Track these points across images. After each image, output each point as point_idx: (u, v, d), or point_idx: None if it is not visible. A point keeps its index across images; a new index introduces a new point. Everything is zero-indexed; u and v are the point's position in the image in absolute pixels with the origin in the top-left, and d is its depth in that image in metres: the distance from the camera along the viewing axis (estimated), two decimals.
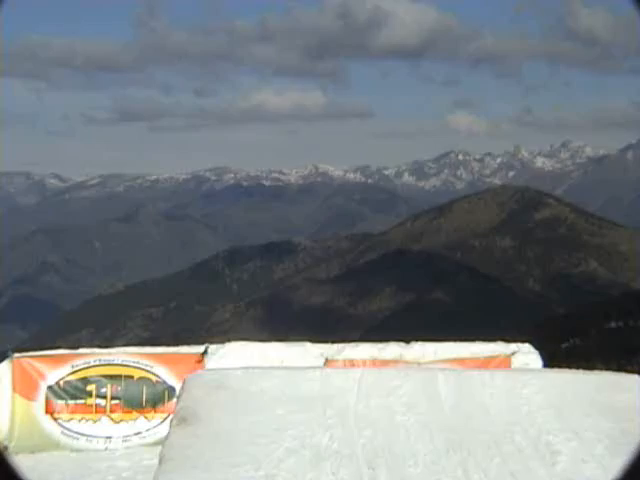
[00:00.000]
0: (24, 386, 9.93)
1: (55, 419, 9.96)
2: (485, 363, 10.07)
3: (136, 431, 10.03)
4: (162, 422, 9.81)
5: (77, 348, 10.81)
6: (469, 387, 5.61)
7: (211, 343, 10.61)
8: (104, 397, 10.06)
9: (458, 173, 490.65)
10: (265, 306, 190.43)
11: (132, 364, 10.15)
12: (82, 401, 10.04)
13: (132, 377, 10.11)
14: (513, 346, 10.67)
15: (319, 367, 9.16)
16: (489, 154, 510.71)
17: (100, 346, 11.73)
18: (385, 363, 9.71)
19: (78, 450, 9.82)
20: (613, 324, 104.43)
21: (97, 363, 10.12)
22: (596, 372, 6.86)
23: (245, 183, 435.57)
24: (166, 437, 5.36)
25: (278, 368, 7.77)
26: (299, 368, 7.53)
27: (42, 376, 9.98)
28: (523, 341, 11.04)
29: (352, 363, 9.75)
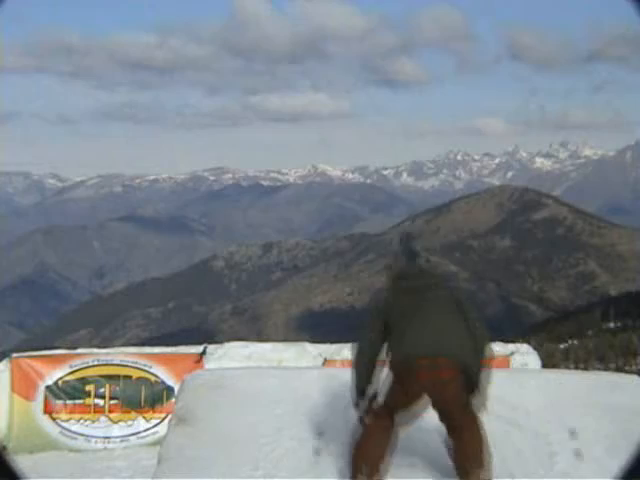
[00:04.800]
0: (23, 386, 9.95)
1: (53, 419, 9.98)
2: None
3: (135, 431, 10.05)
4: (161, 422, 9.83)
5: (76, 348, 10.83)
6: None
7: (210, 343, 10.62)
8: (102, 397, 10.07)
9: (457, 173, 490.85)
10: (264, 306, 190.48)
11: (131, 364, 10.16)
12: (80, 401, 10.05)
13: (131, 377, 10.12)
14: (511, 346, 10.69)
15: (318, 367, 9.17)
16: (488, 154, 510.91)
17: (99, 346, 11.75)
18: (384, 363, 9.69)
19: (76, 450, 9.84)
20: (611, 324, 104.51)
21: (95, 363, 10.13)
22: (595, 372, 6.86)
23: (244, 183, 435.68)
24: (165, 437, 5.36)
25: (277, 368, 7.78)
26: (298, 368, 7.54)
27: (41, 376, 9.99)
28: (521, 341, 11.06)
29: (351, 363, 9.72)
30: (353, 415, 5.03)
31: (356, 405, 5.03)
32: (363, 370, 5.11)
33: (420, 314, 5.00)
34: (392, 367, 5.03)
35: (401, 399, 4.92)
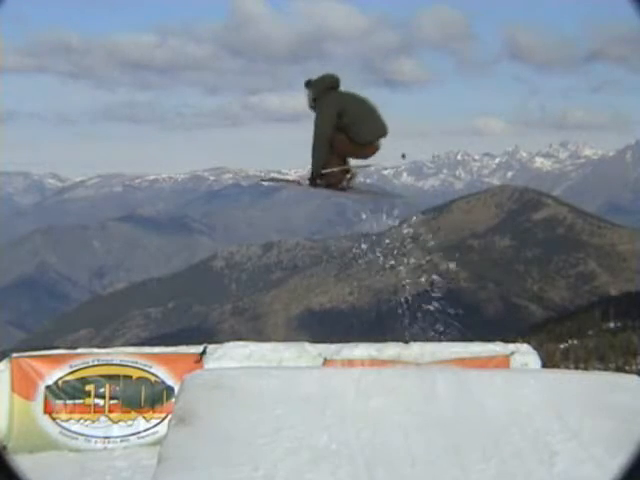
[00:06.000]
0: (23, 386, 9.94)
1: (54, 419, 9.97)
2: (484, 363, 10.06)
3: (134, 431, 10.04)
4: (161, 422, 9.82)
5: (76, 348, 10.82)
6: (468, 387, 5.61)
7: (210, 343, 10.61)
8: (102, 397, 10.07)
9: (457, 173, 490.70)
10: (264, 306, 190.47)
11: (130, 364, 10.15)
12: (80, 401, 10.04)
13: (130, 377, 10.12)
14: (512, 346, 10.67)
15: (317, 367, 9.17)
16: (488, 154, 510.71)
17: (99, 346, 11.74)
18: (384, 363, 9.70)
19: (76, 450, 9.83)
20: (612, 324, 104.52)
21: (95, 363, 10.13)
22: (595, 372, 6.86)
23: (244, 183, 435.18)
24: (165, 437, 5.35)
25: (276, 368, 7.78)
26: (297, 368, 7.54)
27: (41, 376, 9.99)
28: (521, 341, 11.05)
29: (351, 363, 9.74)
30: (353, 415, 5.03)
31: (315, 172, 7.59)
32: (323, 147, 7.44)
33: (367, 104, 7.60)
34: (355, 137, 7.44)
35: (350, 153, 7.57)
